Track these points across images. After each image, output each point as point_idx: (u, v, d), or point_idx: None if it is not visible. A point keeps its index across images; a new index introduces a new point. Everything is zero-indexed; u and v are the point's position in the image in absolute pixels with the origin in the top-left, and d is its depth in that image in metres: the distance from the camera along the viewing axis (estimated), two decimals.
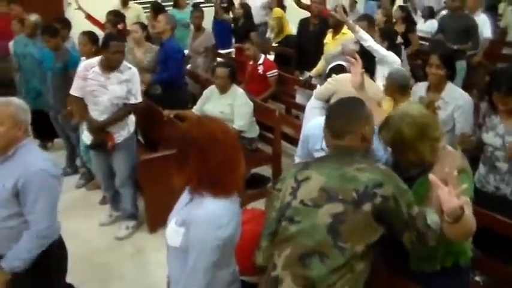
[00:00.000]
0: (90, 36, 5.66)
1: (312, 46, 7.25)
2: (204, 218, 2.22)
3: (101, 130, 4.92)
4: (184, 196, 2.45)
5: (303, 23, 7.62)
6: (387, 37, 5.86)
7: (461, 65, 6.95)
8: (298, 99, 7.22)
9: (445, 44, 7.02)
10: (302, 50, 7.50)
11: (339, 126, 2.53)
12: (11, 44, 7.31)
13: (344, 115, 2.56)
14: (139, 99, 5.02)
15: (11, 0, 8.64)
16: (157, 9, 8.25)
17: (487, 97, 3.80)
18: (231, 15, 10.00)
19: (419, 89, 4.43)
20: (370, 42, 5.24)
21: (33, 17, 6.98)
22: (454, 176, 2.21)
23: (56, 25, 6.10)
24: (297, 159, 3.61)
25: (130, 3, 9.55)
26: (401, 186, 2.39)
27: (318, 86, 5.41)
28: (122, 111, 4.93)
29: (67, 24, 6.76)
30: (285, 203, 2.48)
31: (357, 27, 5.33)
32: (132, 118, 5.14)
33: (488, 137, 3.78)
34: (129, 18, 8.42)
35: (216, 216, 2.22)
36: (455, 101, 4.18)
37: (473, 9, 7.89)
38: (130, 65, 4.98)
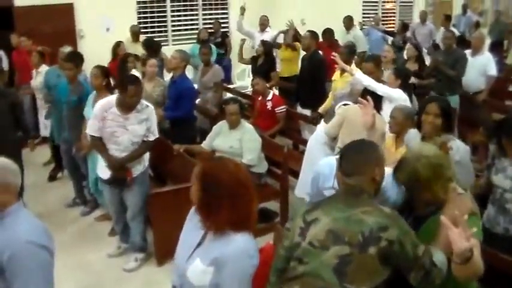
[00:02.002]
0: (102, 70, 5.75)
1: (303, 80, 7.66)
2: (239, 253, 2.37)
3: (121, 167, 4.97)
4: (192, 231, 2.55)
5: (302, 60, 7.89)
6: (400, 76, 5.88)
7: (454, 100, 7.23)
8: (305, 135, 7.30)
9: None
10: (298, 84, 7.90)
11: (351, 166, 2.59)
12: (34, 74, 7.45)
13: (356, 156, 2.63)
14: (157, 135, 5.08)
15: (24, 33, 8.84)
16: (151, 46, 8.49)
17: (496, 140, 3.85)
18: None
19: (412, 137, 4.28)
20: (369, 82, 5.32)
21: (67, 49, 7.10)
22: (465, 219, 2.28)
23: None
24: (307, 198, 3.65)
25: (141, 37, 9.74)
26: (406, 229, 2.46)
27: (323, 123, 5.49)
28: (142, 148, 4.99)
29: (80, 57, 6.81)
30: (294, 242, 2.56)
31: (354, 70, 5.44)
32: (147, 153, 5.20)
33: (498, 179, 3.82)
34: (139, 52, 8.60)
35: (246, 248, 2.39)
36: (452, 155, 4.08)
37: (477, 48, 8.04)
38: (147, 103, 5.02)
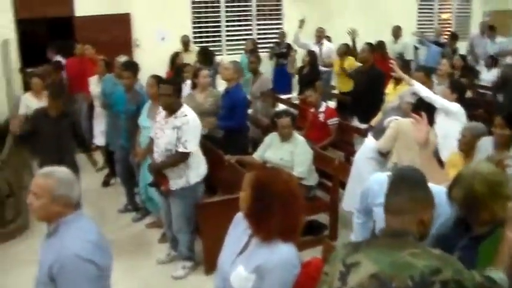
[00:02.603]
0: (157, 79, 5.83)
1: (360, 94, 7.55)
2: (283, 262, 2.42)
3: (157, 172, 5.03)
4: (236, 237, 2.61)
5: (357, 72, 7.80)
6: (457, 90, 5.75)
7: None
8: (358, 148, 7.23)
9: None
10: (353, 98, 7.76)
11: (398, 204, 2.39)
12: (93, 82, 7.72)
13: (405, 193, 2.41)
14: (190, 149, 4.88)
15: (83, 42, 9.12)
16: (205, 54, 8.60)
17: None
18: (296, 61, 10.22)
19: (485, 144, 4.36)
20: (427, 93, 5.27)
21: (123, 58, 7.29)
22: None
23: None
24: (356, 213, 3.62)
25: (193, 47, 9.89)
26: (459, 267, 2.25)
27: (370, 137, 5.44)
28: (174, 157, 4.92)
29: (136, 66, 6.88)
30: None
31: (413, 81, 5.36)
32: (197, 172, 5.10)
33: None
34: (190, 61, 8.73)
35: (290, 259, 2.44)
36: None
37: None
38: (188, 113, 4.94)
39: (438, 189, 2.76)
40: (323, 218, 5.97)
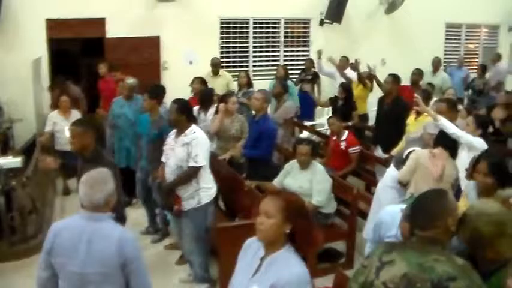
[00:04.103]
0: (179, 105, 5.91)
1: (384, 124, 7.56)
2: (297, 278, 2.52)
3: (169, 192, 5.14)
4: (248, 261, 2.72)
5: (379, 101, 7.87)
6: (481, 125, 5.75)
7: None
8: (379, 177, 7.24)
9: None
10: (377, 127, 7.78)
11: (424, 221, 2.60)
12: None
13: (429, 210, 2.62)
14: (200, 163, 5.03)
15: (114, 66, 9.27)
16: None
17: None
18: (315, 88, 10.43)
19: (470, 189, 4.22)
20: (454, 129, 5.17)
21: (130, 80, 7.47)
22: None
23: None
24: (368, 243, 3.66)
25: (221, 71, 10.01)
26: (478, 282, 2.43)
27: (392, 166, 5.46)
28: (186, 173, 5.06)
29: (162, 90, 6.99)
30: (368, 280, 2.60)
31: (438, 116, 5.34)
32: (208, 191, 5.22)
33: None
34: (219, 85, 8.83)
35: (304, 275, 2.55)
36: None
37: None
38: (197, 130, 5.13)
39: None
40: (340, 246, 6.00)
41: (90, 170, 3.23)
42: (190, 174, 5.06)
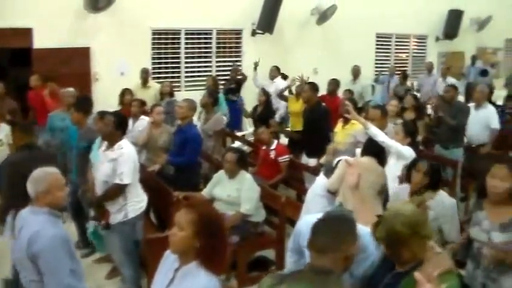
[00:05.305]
0: (101, 114, 5.83)
1: (307, 130, 7.88)
2: None
3: (97, 205, 5.12)
4: (165, 272, 2.75)
5: (304, 111, 8.09)
6: (410, 134, 5.83)
7: (458, 152, 7.61)
8: (308, 185, 7.34)
9: None
10: (302, 135, 8.12)
11: (323, 243, 2.55)
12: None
13: (330, 232, 2.58)
14: (126, 181, 4.95)
15: (48, 78, 9.04)
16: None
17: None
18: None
19: (402, 192, 4.46)
20: (383, 137, 5.34)
21: (70, 89, 7.27)
22: (434, 276, 2.34)
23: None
24: (289, 252, 3.71)
25: (150, 82, 9.96)
26: None
27: (322, 175, 5.56)
28: (111, 190, 5.00)
29: (89, 102, 6.77)
30: None
31: (369, 124, 5.47)
32: (136, 205, 5.17)
33: (474, 232, 3.83)
34: (148, 96, 8.76)
35: (211, 285, 2.57)
36: (439, 209, 4.16)
37: (479, 101, 8.08)
38: (124, 146, 5.03)
39: (366, 231, 2.91)
40: (270, 254, 6.06)
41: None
42: (115, 191, 5.00)
